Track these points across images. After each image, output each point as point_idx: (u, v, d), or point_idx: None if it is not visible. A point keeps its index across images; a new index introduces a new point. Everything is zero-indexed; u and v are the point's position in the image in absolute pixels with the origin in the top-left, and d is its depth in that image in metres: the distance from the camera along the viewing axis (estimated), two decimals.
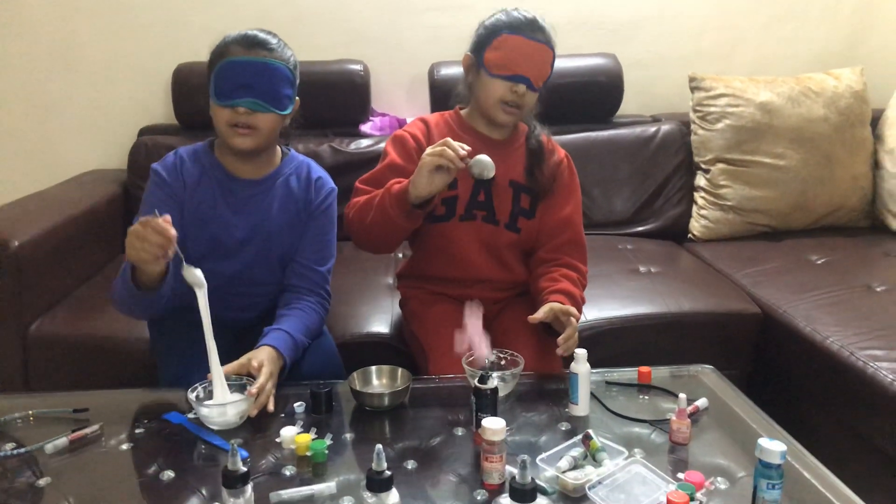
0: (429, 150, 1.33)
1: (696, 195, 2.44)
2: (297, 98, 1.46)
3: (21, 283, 1.75)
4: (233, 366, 1.28)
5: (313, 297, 1.51)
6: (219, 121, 1.39)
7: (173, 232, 1.17)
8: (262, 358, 1.30)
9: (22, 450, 1.15)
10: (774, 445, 0.95)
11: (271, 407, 1.26)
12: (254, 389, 1.22)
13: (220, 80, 1.36)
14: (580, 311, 1.48)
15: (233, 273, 1.49)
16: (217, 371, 1.23)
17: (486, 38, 1.48)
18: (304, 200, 1.52)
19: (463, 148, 1.31)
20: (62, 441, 1.16)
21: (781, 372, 1.86)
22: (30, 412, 1.27)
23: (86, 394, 1.37)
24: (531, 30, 1.46)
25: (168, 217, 1.18)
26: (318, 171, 1.57)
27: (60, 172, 2.46)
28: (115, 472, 1.12)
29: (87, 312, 1.84)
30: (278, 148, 1.54)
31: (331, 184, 1.56)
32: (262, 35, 1.39)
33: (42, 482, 1.07)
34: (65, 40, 2.50)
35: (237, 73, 1.35)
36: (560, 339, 1.34)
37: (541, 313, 1.38)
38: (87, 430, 1.19)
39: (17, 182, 2.49)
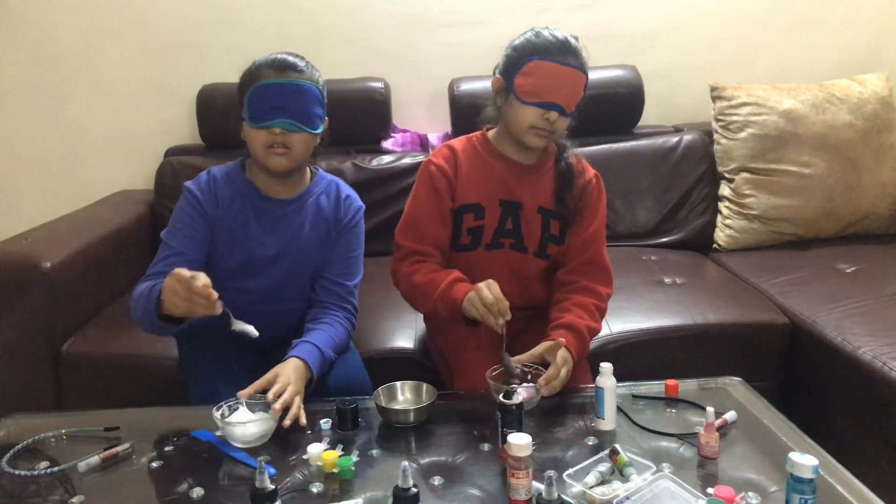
0: (482, 299, 1.32)
1: (721, 205, 2.42)
2: (326, 118, 1.49)
3: (53, 303, 1.79)
4: (259, 383, 1.29)
5: (340, 312, 1.53)
6: (255, 143, 1.42)
7: (215, 295, 1.20)
8: (288, 373, 1.31)
9: (55, 468, 1.17)
10: (806, 459, 0.93)
11: (304, 421, 1.27)
12: (278, 406, 1.23)
13: (255, 104, 1.39)
14: (586, 342, 1.46)
15: (263, 290, 1.51)
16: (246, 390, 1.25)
17: (517, 62, 1.43)
18: (334, 218, 1.55)
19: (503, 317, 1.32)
20: (94, 459, 1.18)
21: (811, 383, 1.83)
22: (62, 431, 1.29)
23: (116, 412, 1.40)
24: (563, 54, 1.41)
25: (207, 280, 1.20)
26: (347, 189, 1.60)
27: (88, 194, 2.51)
28: (146, 489, 1.14)
29: (116, 331, 1.87)
30: (308, 168, 1.57)
31: (359, 202, 1.60)
32: (290, 58, 1.43)
33: (75, 500, 1.09)
34: (90, 64, 2.56)
35: (270, 96, 1.38)
36: (541, 381, 1.31)
37: (526, 356, 1.38)
38: (118, 449, 1.21)
39: (46, 204, 2.55)
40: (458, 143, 1.61)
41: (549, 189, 1.56)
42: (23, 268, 1.76)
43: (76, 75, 2.57)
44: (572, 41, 1.44)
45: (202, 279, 1.19)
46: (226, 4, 2.54)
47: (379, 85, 2.49)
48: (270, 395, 1.25)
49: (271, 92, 1.38)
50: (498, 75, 1.50)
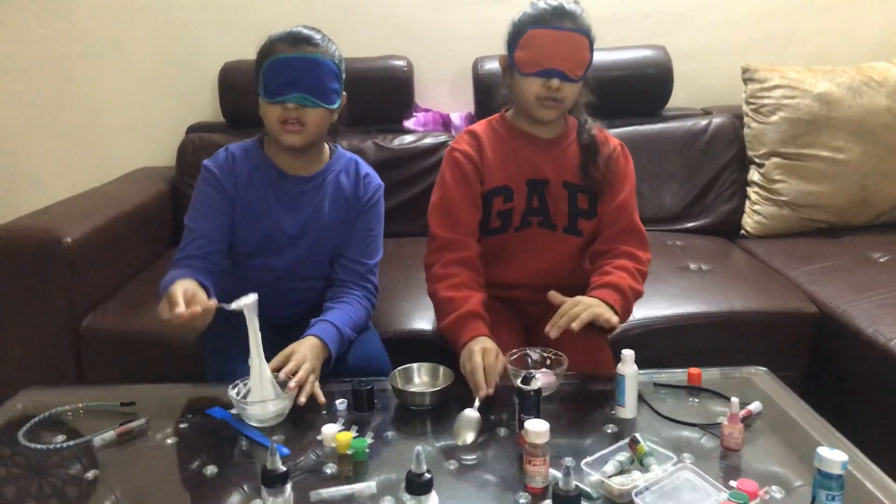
0: (473, 372, 1.26)
1: (750, 190, 2.36)
2: (343, 93, 1.46)
3: (73, 278, 1.79)
4: (274, 361, 1.28)
5: (360, 291, 1.52)
6: (269, 118, 1.40)
7: (213, 304, 1.21)
8: (304, 351, 1.30)
9: (71, 442, 1.17)
10: (835, 455, 0.90)
11: (321, 398, 1.26)
12: (292, 384, 1.22)
13: (269, 78, 1.37)
14: (629, 301, 1.40)
15: (283, 269, 1.50)
16: (256, 367, 1.23)
17: (515, 36, 1.44)
18: (354, 197, 1.53)
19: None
20: (110, 434, 1.18)
21: (840, 375, 1.78)
22: (79, 405, 1.30)
23: (133, 387, 1.40)
24: (557, 18, 1.39)
25: (205, 299, 1.21)
26: (366, 167, 1.58)
27: (111, 170, 2.52)
28: (160, 465, 1.14)
29: (136, 307, 1.87)
30: (326, 145, 1.54)
31: (378, 180, 1.57)
32: (306, 31, 1.40)
33: (90, 474, 1.09)
34: (114, 40, 2.56)
35: (285, 70, 1.36)
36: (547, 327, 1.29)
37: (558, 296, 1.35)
38: (134, 424, 1.21)
39: (69, 179, 2.56)
40: (479, 127, 1.58)
41: (573, 163, 1.52)
42: (44, 242, 1.76)
43: (99, 51, 2.56)
44: (567, 5, 1.41)
45: (178, 304, 1.16)
46: None
47: (402, 63, 2.45)
48: (283, 374, 1.24)
49: (285, 66, 1.36)
50: (503, 54, 1.49)
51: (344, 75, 1.45)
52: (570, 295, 1.41)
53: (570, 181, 1.52)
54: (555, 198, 1.52)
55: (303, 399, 1.24)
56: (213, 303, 1.22)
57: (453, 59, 2.58)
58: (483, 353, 1.27)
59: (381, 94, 2.44)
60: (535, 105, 1.45)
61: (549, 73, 1.40)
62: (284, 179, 1.49)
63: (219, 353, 1.46)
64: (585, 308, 1.29)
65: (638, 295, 1.45)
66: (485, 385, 1.23)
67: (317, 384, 1.28)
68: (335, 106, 1.42)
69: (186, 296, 1.19)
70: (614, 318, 1.31)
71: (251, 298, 1.23)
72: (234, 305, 1.22)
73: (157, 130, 2.62)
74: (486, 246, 1.54)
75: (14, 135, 2.63)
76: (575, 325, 1.26)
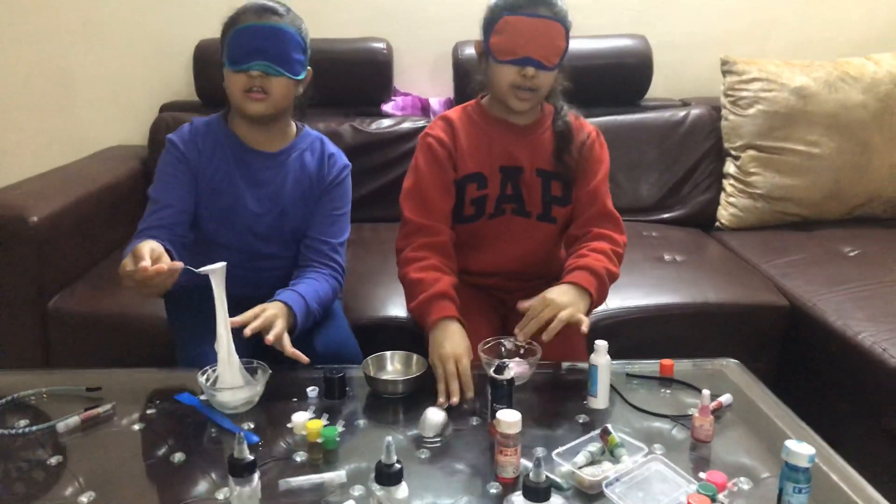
0: (448, 379, 1.23)
1: (725, 182, 2.37)
2: (309, 68, 1.45)
3: (40, 258, 1.75)
4: (242, 317, 1.25)
5: (325, 269, 1.49)
6: (233, 88, 1.39)
7: (179, 265, 1.17)
8: (274, 311, 1.29)
9: (34, 428, 1.14)
10: (802, 448, 0.90)
11: (304, 358, 1.26)
12: (271, 337, 1.23)
13: (234, 47, 1.36)
14: (605, 284, 1.40)
15: (246, 247, 1.48)
16: (224, 353, 1.21)
17: (490, 22, 1.41)
18: (318, 176, 1.51)
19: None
20: (74, 420, 1.15)
21: (810, 368, 1.80)
22: (43, 390, 1.27)
23: (100, 372, 1.37)
24: (532, 6, 1.37)
25: (169, 260, 1.17)
26: (332, 147, 1.56)
27: (82, 147, 2.46)
28: (126, 452, 1.11)
29: (105, 289, 1.84)
30: (292, 123, 1.53)
31: (344, 160, 1.56)
32: (271, 3, 1.39)
33: (53, 460, 1.07)
34: (88, 15, 2.49)
35: (249, 39, 1.35)
36: (516, 329, 1.31)
37: (526, 303, 1.34)
38: (100, 410, 1.18)
39: (38, 156, 2.49)
40: (454, 113, 1.57)
41: (547, 149, 1.52)
42: (10, 221, 1.72)
43: (73, 25, 2.50)
44: None
45: (143, 258, 1.13)
46: None
47: (381, 46, 2.42)
48: (248, 331, 1.22)
49: (250, 34, 1.35)
50: (478, 39, 1.48)
51: (309, 51, 1.44)
52: (545, 284, 1.41)
53: (543, 168, 1.52)
54: (529, 185, 1.51)
55: (288, 350, 1.24)
56: (179, 264, 1.17)
57: (434, 43, 2.55)
58: (457, 360, 1.26)
59: (360, 77, 2.41)
60: (509, 94, 1.43)
61: (524, 61, 1.38)
62: (247, 154, 1.47)
63: (188, 336, 1.44)
64: (553, 311, 1.28)
65: (614, 277, 1.44)
66: (456, 393, 1.22)
67: (288, 343, 1.27)
68: (300, 77, 1.41)
69: (153, 255, 1.15)
70: (583, 319, 1.29)
71: (219, 265, 1.20)
72: (201, 270, 1.19)
73: (130, 108, 2.56)
74: (460, 234, 1.53)
75: None
76: (545, 338, 1.27)
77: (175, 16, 2.49)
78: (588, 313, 1.36)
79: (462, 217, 1.53)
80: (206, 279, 1.20)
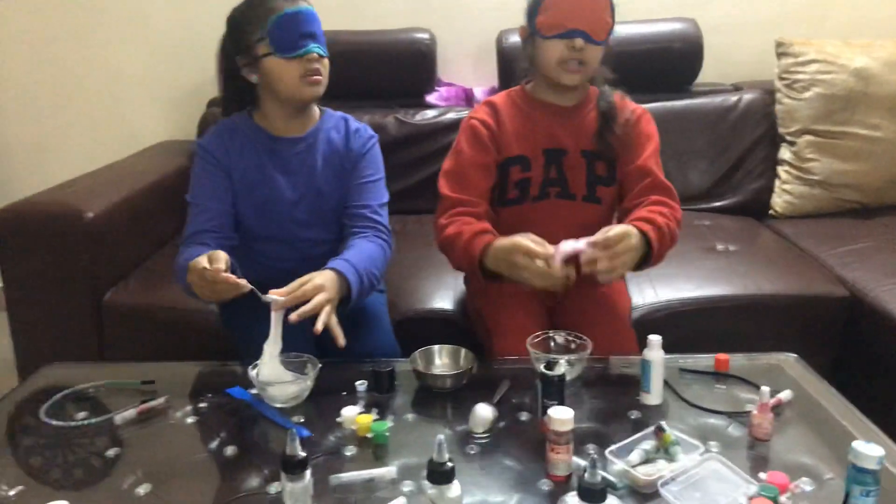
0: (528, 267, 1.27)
1: (780, 169, 2.29)
2: None
3: (95, 253, 1.79)
4: (289, 287, 1.24)
5: (368, 231, 1.47)
6: (287, 76, 1.39)
7: (233, 277, 1.18)
8: (321, 281, 1.26)
9: (92, 420, 1.17)
10: (871, 449, 0.87)
11: (341, 341, 1.25)
12: (319, 325, 1.21)
13: (283, 34, 1.36)
14: (665, 237, 1.36)
15: (289, 235, 1.49)
16: (271, 349, 1.22)
17: (535, 3, 1.44)
18: (346, 150, 1.51)
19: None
20: (130, 413, 1.18)
21: (872, 361, 1.73)
22: (101, 382, 1.30)
23: (153, 365, 1.40)
24: None
25: (222, 263, 1.18)
26: (356, 123, 1.56)
27: (132, 144, 2.51)
28: (180, 445, 1.13)
29: (158, 282, 1.87)
30: (315, 107, 1.53)
31: (370, 131, 1.56)
32: None
33: (111, 452, 1.09)
34: (138, 12, 2.54)
35: (297, 24, 1.36)
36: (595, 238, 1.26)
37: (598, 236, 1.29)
38: (155, 403, 1.21)
39: (91, 153, 2.56)
40: (498, 98, 1.57)
41: (591, 130, 1.51)
42: (65, 218, 1.76)
43: (122, 23, 2.55)
44: None
45: (220, 262, 1.17)
46: None
47: (424, 36, 2.40)
48: (295, 317, 1.20)
49: (296, 20, 1.36)
50: (523, 25, 1.49)
51: None
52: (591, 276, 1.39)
53: (587, 149, 1.51)
54: (573, 167, 1.51)
55: (319, 326, 1.22)
56: (246, 284, 1.19)
57: (477, 33, 2.52)
58: (525, 252, 1.27)
59: (403, 68, 2.40)
60: (558, 70, 1.43)
61: (571, 33, 1.39)
62: (276, 142, 1.48)
63: (251, 333, 1.41)
64: (622, 263, 1.27)
65: (673, 237, 1.40)
66: (551, 263, 1.24)
67: (334, 319, 1.26)
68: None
69: (228, 264, 1.19)
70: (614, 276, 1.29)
71: (282, 299, 1.22)
72: (264, 298, 1.21)
73: (178, 104, 2.60)
74: (505, 218, 1.52)
75: (37, 108, 2.63)
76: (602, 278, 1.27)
77: (223, 11, 2.49)
78: (643, 265, 1.37)
79: (506, 200, 1.53)
80: (259, 277, 1.23)
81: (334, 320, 1.26)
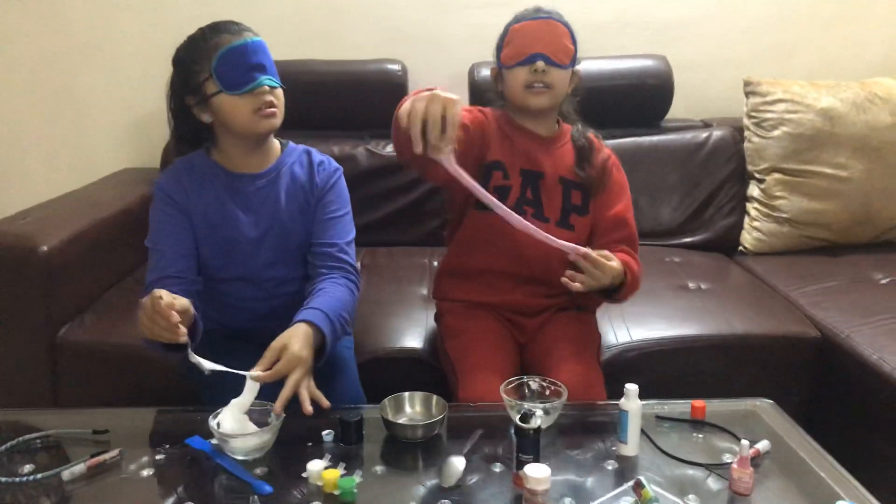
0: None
1: (749, 206, 2.31)
2: None
3: (49, 288, 1.71)
4: (266, 359, 1.20)
5: (336, 273, 1.42)
6: (239, 112, 1.33)
7: (176, 318, 1.12)
8: (294, 354, 1.20)
9: (39, 475, 1.09)
10: None
11: (325, 402, 1.22)
12: (277, 407, 1.16)
13: (229, 70, 1.30)
14: (632, 289, 1.43)
15: (253, 275, 1.43)
16: (238, 408, 1.17)
17: (500, 41, 1.50)
18: (311, 185, 1.46)
19: None
20: (80, 467, 1.10)
21: (845, 402, 1.72)
22: (50, 432, 1.22)
23: (108, 411, 1.33)
24: (534, 12, 1.48)
25: (170, 303, 1.12)
26: (320, 155, 1.52)
27: (93, 171, 2.43)
28: (133, 501, 1.07)
29: (116, 318, 1.80)
30: (276, 141, 1.49)
31: (334, 164, 1.51)
32: (230, 21, 1.37)
33: None
34: (100, 37, 2.47)
35: (243, 58, 1.31)
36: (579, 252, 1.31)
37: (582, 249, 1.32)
38: (106, 456, 1.13)
39: (52, 179, 2.48)
40: (487, 109, 1.58)
41: (568, 161, 1.54)
42: (20, 250, 1.68)
43: (85, 48, 2.48)
44: (544, 6, 1.49)
45: (175, 304, 1.12)
46: None
47: (396, 67, 2.38)
48: (278, 407, 1.16)
49: (241, 53, 1.30)
50: (493, 65, 1.55)
51: None
52: (562, 312, 1.52)
53: (565, 177, 1.53)
54: (549, 191, 1.52)
55: (308, 408, 1.18)
56: (182, 334, 1.13)
57: (449, 65, 2.50)
58: (445, 105, 1.08)
59: (375, 99, 2.36)
60: (524, 94, 1.47)
61: (532, 57, 1.44)
62: (236, 179, 1.43)
63: (212, 381, 1.35)
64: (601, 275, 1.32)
65: (636, 281, 1.45)
66: (419, 140, 1.09)
67: (313, 386, 1.22)
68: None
69: (179, 306, 1.14)
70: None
71: (257, 382, 1.18)
72: (195, 358, 1.17)
73: (140, 130, 2.53)
74: (478, 224, 1.52)
75: None
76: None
77: (184, 36, 2.46)
78: (609, 295, 1.43)
79: (482, 205, 1.48)
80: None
81: (313, 388, 1.22)
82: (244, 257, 1.42)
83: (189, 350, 1.16)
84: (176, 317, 1.12)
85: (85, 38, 2.47)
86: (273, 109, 1.34)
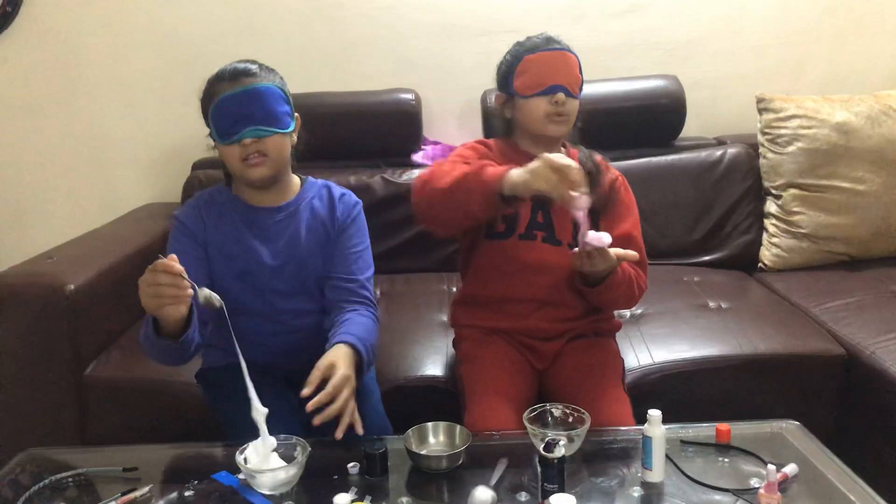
0: (549, 157, 1.25)
1: (767, 222, 2.30)
2: (297, 115, 1.43)
3: (76, 326, 1.74)
4: (315, 377, 1.21)
5: (358, 306, 1.44)
6: (230, 159, 1.38)
7: (179, 267, 1.13)
8: (342, 374, 1.22)
9: None
10: None
11: (360, 429, 1.22)
12: (317, 421, 1.17)
13: (218, 121, 1.34)
14: (622, 287, 1.45)
15: (270, 308, 1.44)
16: (263, 430, 1.18)
17: (509, 68, 1.52)
18: (331, 219, 1.48)
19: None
20: None
21: (872, 420, 1.70)
22: (80, 470, 1.24)
23: (136, 448, 1.35)
24: (548, 43, 1.51)
25: (173, 255, 1.14)
26: (340, 189, 1.54)
27: (116, 207, 2.49)
28: None
29: (140, 353, 1.80)
30: (295, 176, 1.51)
31: (354, 198, 1.54)
32: (242, 65, 1.39)
33: None
34: (119, 75, 2.53)
35: (231, 108, 1.33)
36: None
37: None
38: (137, 494, 1.15)
39: (75, 217, 2.53)
40: (490, 141, 1.62)
41: None
42: (46, 291, 1.72)
43: (104, 87, 2.53)
44: (554, 36, 1.53)
45: (169, 256, 1.13)
46: (255, 15, 2.49)
47: (409, 97, 2.41)
48: (339, 433, 1.19)
49: (232, 103, 1.33)
50: (498, 92, 1.58)
51: (291, 98, 1.42)
52: (581, 340, 1.52)
53: None
54: (560, 214, 1.52)
55: (339, 434, 1.19)
56: (191, 293, 1.15)
57: (461, 92, 2.53)
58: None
59: (389, 128, 2.40)
60: (544, 123, 1.50)
61: (553, 88, 1.47)
62: (255, 213, 1.46)
63: (236, 417, 1.32)
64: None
65: (632, 293, 1.49)
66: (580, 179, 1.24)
67: (355, 408, 1.23)
68: (290, 129, 1.40)
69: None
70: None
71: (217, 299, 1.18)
72: (205, 292, 1.18)
73: (163, 166, 2.58)
74: (491, 253, 1.54)
75: (20, 173, 2.59)
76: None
77: (207, 73, 2.49)
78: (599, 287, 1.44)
79: (493, 234, 1.53)
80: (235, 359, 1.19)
81: (355, 411, 1.23)
82: (261, 288, 1.44)
83: (195, 293, 1.16)
84: (178, 267, 1.12)
85: (103, 76, 2.52)
86: (260, 159, 1.36)
